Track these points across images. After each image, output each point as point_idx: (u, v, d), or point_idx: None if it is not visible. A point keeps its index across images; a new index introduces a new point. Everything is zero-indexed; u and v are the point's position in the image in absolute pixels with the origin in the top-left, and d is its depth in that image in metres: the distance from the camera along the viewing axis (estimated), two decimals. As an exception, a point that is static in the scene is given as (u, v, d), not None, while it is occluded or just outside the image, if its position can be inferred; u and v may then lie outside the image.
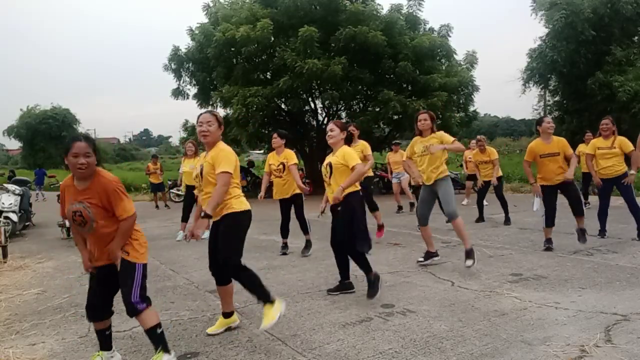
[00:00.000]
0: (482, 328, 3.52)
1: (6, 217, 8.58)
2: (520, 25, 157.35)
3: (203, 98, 17.87)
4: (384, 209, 10.18)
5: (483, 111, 57.20)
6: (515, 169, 16.75)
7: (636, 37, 21.23)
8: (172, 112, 38.01)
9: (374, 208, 6.97)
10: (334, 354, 3.17)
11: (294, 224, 6.51)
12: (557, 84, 22.75)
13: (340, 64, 13.92)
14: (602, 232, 6.80)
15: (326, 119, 18.05)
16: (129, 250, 2.85)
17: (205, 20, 17.04)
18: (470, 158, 10.27)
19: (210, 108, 18.30)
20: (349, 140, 4.54)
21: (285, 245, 6.64)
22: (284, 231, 6.58)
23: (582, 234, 6.02)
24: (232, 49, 15.35)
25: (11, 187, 9.67)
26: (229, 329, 3.63)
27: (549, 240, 6.20)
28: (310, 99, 17.28)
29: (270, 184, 6.53)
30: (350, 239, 4.20)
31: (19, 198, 9.38)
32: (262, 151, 26.16)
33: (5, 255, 6.80)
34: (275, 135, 6.46)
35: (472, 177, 11.49)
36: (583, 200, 5.95)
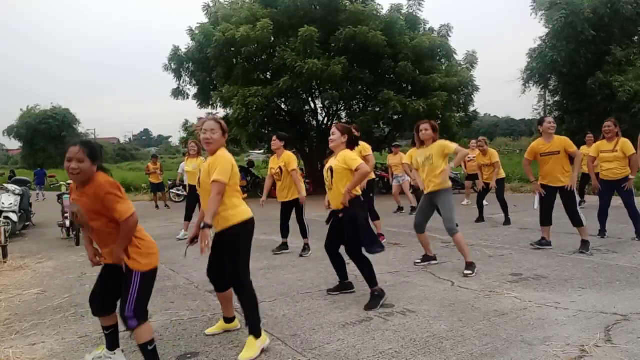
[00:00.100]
0: (482, 328, 3.52)
1: (6, 217, 8.58)
2: (520, 25, 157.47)
3: (203, 98, 17.88)
4: (384, 209, 10.21)
5: (483, 111, 57.21)
6: (515, 169, 16.74)
7: (636, 37, 21.23)
8: (172, 112, 38.10)
9: (374, 217, 6.94)
10: (334, 354, 3.17)
11: (293, 224, 6.51)
12: (557, 84, 22.76)
13: (340, 64, 13.92)
14: (602, 232, 6.80)
15: (326, 119, 18.06)
16: (130, 255, 2.78)
17: (205, 20, 17.06)
18: (469, 158, 10.28)
19: (210, 108, 18.37)
20: (354, 144, 4.39)
21: (283, 245, 6.65)
22: (284, 231, 6.63)
23: (584, 245, 5.92)
24: (232, 49, 15.35)
25: (11, 187, 9.66)
26: (227, 329, 3.63)
27: (543, 239, 6.22)
28: (310, 99, 17.28)
29: (274, 185, 6.54)
30: (357, 246, 4.14)
31: (19, 198, 9.38)
32: (262, 151, 26.17)
33: (5, 255, 6.79)
34: (274, 137, 6.44)
35: (472, 177, 11.49)
36: (578, 200, 5.92)
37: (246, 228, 3.32)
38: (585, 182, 10.25)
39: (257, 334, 3.23)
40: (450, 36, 17.15)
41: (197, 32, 16.41)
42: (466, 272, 5.04)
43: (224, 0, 17.58)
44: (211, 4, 17.36)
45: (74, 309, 4.38)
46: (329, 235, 4.45)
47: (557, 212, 6.30)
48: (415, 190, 9.69)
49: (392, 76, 15.62)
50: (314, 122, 18.42)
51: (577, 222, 5.92)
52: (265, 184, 6.70)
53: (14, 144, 52.70)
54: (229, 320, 3.62)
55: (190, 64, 17.42)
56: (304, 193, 6.32)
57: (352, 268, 4.49)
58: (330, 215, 4.40)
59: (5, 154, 63.83)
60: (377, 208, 7.32)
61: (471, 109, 18.08)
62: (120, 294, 2.81)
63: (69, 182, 8.96)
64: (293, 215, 6.50)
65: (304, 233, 6.45)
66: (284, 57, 14.27)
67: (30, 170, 29.26)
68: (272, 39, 15.06)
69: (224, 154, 3.32)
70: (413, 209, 10.17)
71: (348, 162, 4.15)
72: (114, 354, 3.07)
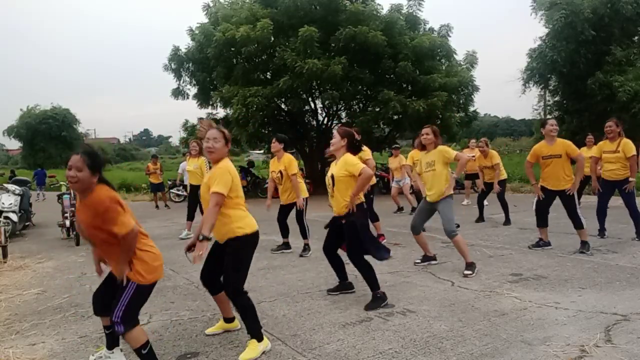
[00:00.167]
0: (482, 328, 3.52)
1: (6, 217, 8.58)
2: (520, 25, 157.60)
3: (203, 98, 17.88)
4: (383, 209, 10.21)
5: (483, 111, 57.21)
6: (515, 169, 16.74)
7: (636, 37, 21.22)
8: (172, 112, 38.06)
9: (374, 219, 6.94)
10: (334, 354, 3.17)
11: (294, 225, 6.51)
12: (557, 84, 22.74)
13: (340, 64, 13.92)
14: (602, 232, 6.80)
15: (326, 119, 18.05)
16: (135, 269, 2.78)
17: (205, 20, 17.05)
18: (470, 157, 10.27)
19: (210, 108, 18.37)
20: (358, 149, 4.33)
21: (283, 245, 6.66)
22: (283, 231, 6.65)
23: (583, 245, 5.92)
24: (232, 49, 15.34)
25: (11, 187, 9.66)
26: (227, 329, 3.63)
27: (541, 240, 6.23)
28: (310, 99, 17.27)
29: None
30: (357, 251, 4.14)
31: (19, 198, 9.38)
32: (262, 151, 26.16)
33: (5, 255, 6.80)
34: (273, 140, 6.43)
35: (471, 177, 11.49)
36: (578, 203, 5.91)
37: (252, 240, 3.32)
38: (584, 183, 10.25)
39: (259, 338, 3.24)
40: (450, 36, 17.16)
41: (197, 32, 16.40)
42: (466, 272, 5.04)
43: (224, 0, 17.57)
44: (211, 4, 17.35)
45: (74, 309, 4.38)
46: (328, 237, 4.45)
47: (558, 212, 6.31)
48: (415, 192, 9.69)
49: (392, 76, 15.61)
50: (314, 122, 18.42)
51: (577, 224, 5.91)
52: (268, 188, 6.69)
53: (14, 144, 52.80)
54: (228, 320, 3.62)
55: (190, 64, 17.42)
56: (302, 198, 6.27)
57: (352, 268, 4.48)
58: (331, 221, 4.39)
59: (5, 154, 63.83)
60: (377, 208, 7.32)
61: (471, 109, 18.07)
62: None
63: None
64: (293, 215, 6.49)
65: (303, 234, 6.45)
66: (284, 57, 14.27)
67: (30, 170, 29.25)
68: (272, 39, 15.06)
69: (225, 165, 3.29)
70: (414, 209, 10.17)
71: (349, 168, 4.11)
72: (113, 352, 3.09)
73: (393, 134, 18.01)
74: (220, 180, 3.18)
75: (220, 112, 18.44)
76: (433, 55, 16.04)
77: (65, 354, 3.37)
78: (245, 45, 14.56)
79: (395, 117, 15.43)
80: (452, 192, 5.26)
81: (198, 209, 8.25)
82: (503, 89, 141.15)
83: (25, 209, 9.81)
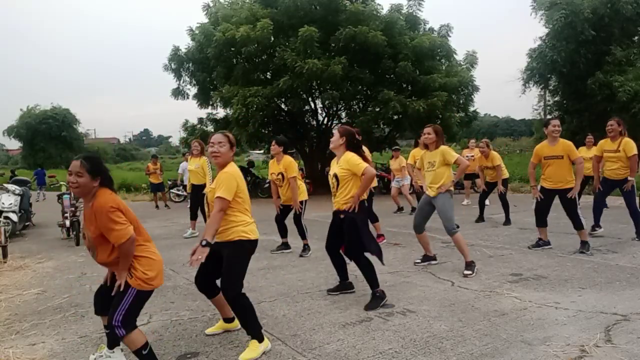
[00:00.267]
0: (482, 328, 3.52)
1: (6, 217, 8.58)
2: (520, 25, 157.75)
3: (203, 98, 17.87)
4: (383, 209, 10.21)
5: (483, 111, 57.26)
6: (515, 169, 16.74)
7: (636, 37, 21.21)
8: (172, 112, 38.08)
9: (374, 219, 6.93)
10: (334, 354, 3.17)
11: (292, 225, 6.51)
12: (557, 84, 22.74)
13: (340, 64, 13.91)
14: (594, 227, 6.81)
15: (326, 119, 18.05)
16: (132, 274, 2.79)
17: (205, 20, 17.03)
18: (468, 156, 10.27)
19: (210, 108, 18.36)
20: (356, 147, 4.30)
21: (282, 245, 6.67)
22: (281, 231, 6.66)
23: (583, 245, 5.93)
24: (232, 49, 15.33)
25: (11, 187, 9.66)
26: (227, 329, 3.63)
27: (540, 239, 6.23)
28: (310, 99, 17.26)
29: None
30: (357, 248, 4.13)
31: (19, 198, 9.38)
32: (262, 151, 26.17)
33: (5, 255, 6.79)
34: (273, 142, 6.43)
35: (470, 177, 11.48)
36: (578, 203, 5.91)
37: (251, 246, 3.34)
38: (584, 184, 10.25)
39: (259, 339, 3.24)
40: (450, 36, 17.14)
41: (197, 32, 16.39)
42: (466, 272, 5.04)
43: (224, 0, 17.56)
44: (211, 4, 17.34)
45: (74, 309, 4.38)
46: (329, 236, 4.45)
47: (558, 212, 6.31)
48: (416, 192, 9.69)
49: (392, 76, 15.61)
50: (314, 122, 18.41)
51: (577, 224, 5.91)
52: (272, 190, 6.67)
53: (14, 144, 52.79)
54: (228, 320, 3.62)
55: (190, 64, 17.41)
56: (298, 201, 6.26)
57: (352, 268, 4.49)
58: (333, 216, 4.38)
59: (5, 154, 63.80)
60: (377, 208, 7.33)
61: (471, 109, 18.05)
62: None
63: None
64: (291, 216, 6.49)
65: (302, 235, 6.46)
66: (284, 57, 14.26)
67: (30, 170, 29.24)
68: (272, 39, 15.05)
69: (231, 170, 3.29)
70: (413, 209, 10.17)
71: (352, 167, 4.12)
72: (113, 352, 3.09)
73: (393, 134, 18.01)
74: (226, 186, 3.19)
75: (220, 112, 18.46)
76: (433, 55, 16.03)
77: (65, 354, 3.37)
78: (245, 45, 14.56)
79: (395, 117, 15.43)
80: (451, 188, 5.26)
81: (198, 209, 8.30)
82: (503, 89, 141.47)
83: (25, 209, 9.81)
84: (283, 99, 16.20)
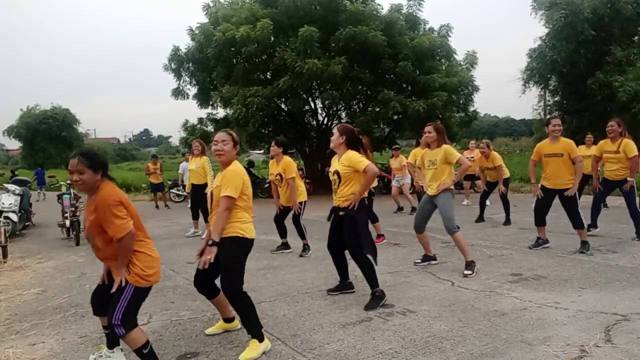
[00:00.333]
0: (482, 328, 3.52)
1: (6, 217, 8.57)
2: (520, 25, 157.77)
3: (203, 98, 17.87)
4: (383, 209, 10.21)
5: (483, 111, 57.17)
6: (515, 168, 16.74)
7: (636, 37, 21.20)
8: (172, 112, 38.09)
9: (373, 220, 6.94)
10: (334, 354, 3.17)
11: (291, 225, 6.51)
12: (557, 84, 22.73)
13: (340, 64, 13.91)
14: (591, 227, 6.81)
15: (326, 119, 18.05)
16: (130, 270, 2.79)
17: (205, 20, 17.03)
18: (469, 158, 10.25)
19: (210, 108, 18.36)
20: (356, 146, 4.27)
21: (282, 245, 6.67)
22: (280, 231, 6.66)
23: (583, 245, 5.93)
24: (232, 49, 15.34)
25: (11, 187, 9.66)
26: (227, 329, 3.63)
27: (539, 238, 6.23)
28: (310, 99, 17.27)
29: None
30: (358, 247, 4.12)
31: (19, 198, 9.38)
32: (262, 151, 26.16)
33: (5, 255, 6.80)
34: (272, 143, 6.44)
35: (470, 177, 11.48)
36: (578, 203, 5.91)
37: (247, 244, 3.33)
38: (584, 182, 10.25)
39: (260, 338, 3.23)
40: (450, 36, 17.15)
41: (197, 32, 16.39)
42: (466, 272, 5.04)
43: (224, 0, 17.56)
44: (211, 4, 17.35)
45: (74, 309, 4.38)
46: (330, 235, 4.44)
47: (558, 212, 6.31)
48: (416, 191, 9.69)
49: (392, 76, 15.61)
50: (314, 122, 18.41)
51: (577, 224, 5.91)
52: (272, 190, 6.68)
53: (14, 144, 52.78)
54: (228, 320, 3.62)
55: (190, 64, 17.41)
56: (298, 202, 6.27)
57: (352, 268, 4.49)
58: (331, 211, 4.38)
59: (5, 154, 63.81)
60: (377, 208, 7.33)
61: (471, 109, 18.06)
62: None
63: (69, 181, 8.96)
64: (290, 216, 6.49)
65: (301, 235, 6.46)
66: (284, 57, 14.26)
67: (31, 170, 29.24)
68: (272, 39, 15.05)
69: (234, 168, 3.30)
70: (413, 209, 10.17)
71: (354, 164, 4.11)
72: (113, 352, 3.09)
73: (393, 134, 18.01)
74: (233, 184, 3.20)
75: (220, 112, 18.46)
76: (433, 55, 16.03)
77: (65, 354, 3.37)
78: (245, 45, 14.56)
79: (395, 117, 15.43)
80: (452, 186, 5.25)
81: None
82: (503, 89, 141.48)
83: (25, 209, 9.81)
84: (283, 99, 16.20)
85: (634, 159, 6.29)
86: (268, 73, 16.48)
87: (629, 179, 6.38)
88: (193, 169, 8.13)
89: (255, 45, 14.77)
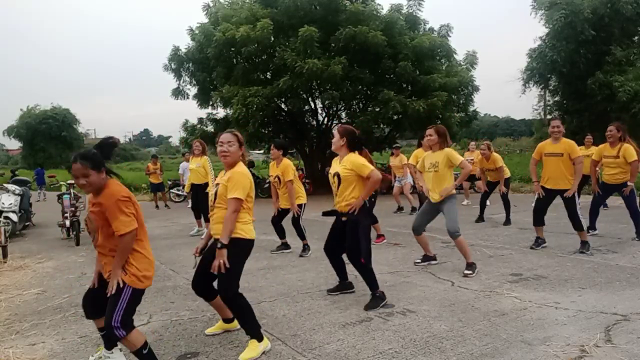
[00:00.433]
0: (482, 328, 3.52)
1: (6, 217, 8.57)
2: (520, 25, 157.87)
3: (203, 98, 17.86)
4: (384, 209, 10.21)
5: (483, 111, 56.90)
6: (515, 169, 16.72)
7: (636, 37, 21.21)
8: (172, 112, 38.03)
9: (373, 221, 6.93)
10: (334, 354, 3.17)
11: (290, 226, 6.51)
12: (557, 84, 22.74)
13: (340, 64, 13.91)
14: (590, 229, 6.80)
15: (326, 119, 18.05)
16: (126, 270, 2.78)
17: (205, 20, 17.03)
18: (468, 159, 10.25)
19: (210, 108, 18.35)
20: (357, 147, 4.26)
21: (282, 245, 6.68)
22: (279, 233, 6.67)
23: (583, 245, 5.93)
24: (232, 49, 15.33)
25: (11, 187, 9.66)
26: (227, 329, 3.63)
27: (538, 238, 6.23)
28: (310, 99, 17.26)
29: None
30: (358, 253, 4.11)
31: (19, 198, 9.38)
32: (262, 151, 26.15)
33: (5, 255, 6.80)
34: (272, 146, 6.46)
35: (470, 178, 11.47)
36: (578, 203, 5.90)
37: (247, 246, 3.32)
38: (584, 182, 10.26)
39: (259, 338, 3.23)
40: (450, 36, 17.13)
41: (197, 32, 16.39)
42: (466, 272, 5.03)
43: (224, 0, 17.55)
44: (211, 4, 17.34)
45: (74, 309, 4.38)
46: (330, 237, 4.43)
47: (558, 212, 6.31)
48: (417, 192, 9.69)
49: (392, 76, 15.60)
50: (314, 122, 18.40)
51: (577, 225, 5.90)
52: (272, 192, 6.68)
53: (14, 144, 52.74)
54: (228, 320, 3.62)
55: (190, 64, 17.40)
56: (297, 204, 6.26)
57: (351, 268, 4.48)
58: (331, 211, 4.36)
59: (5, 154, 63.76)
60: (377, 208, 7.32)
61: (471, 109, 18.04)
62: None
63: (69, 181, 8.97)
64: (289, 217, 6.49)
65: (301, 236, 6.46)
66: (284, 57, 14.26)
67: (31, 170, 29.24)
68: (272, 39, 15.04)
69: (241, 169, 3.28)
70: (413, 209, 10.18)
71: (357, 168, 4.08)
72: (112, 352, 3.08)
73: (393, 134, 18.00)
74: (240, 186, 3.20)
75: (220, 112, 18.45)
76: (433, 55, 16.03)
77: (65, 354, 3.37)
78: (245, 45, 14.56)
79: (395, 117, 15.42)
80: (454, 191, 5.23)
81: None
82: (503, 89, 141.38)
83: (25, 209, 9.81)
84: (283, 99, 16.19)
85: (633, 163, 6.28)
86: (268, 73, 16.48)
87: (629, 183, 6.37)
88: (194, 168, 8.15)
89: (255, 45, 14.77)
